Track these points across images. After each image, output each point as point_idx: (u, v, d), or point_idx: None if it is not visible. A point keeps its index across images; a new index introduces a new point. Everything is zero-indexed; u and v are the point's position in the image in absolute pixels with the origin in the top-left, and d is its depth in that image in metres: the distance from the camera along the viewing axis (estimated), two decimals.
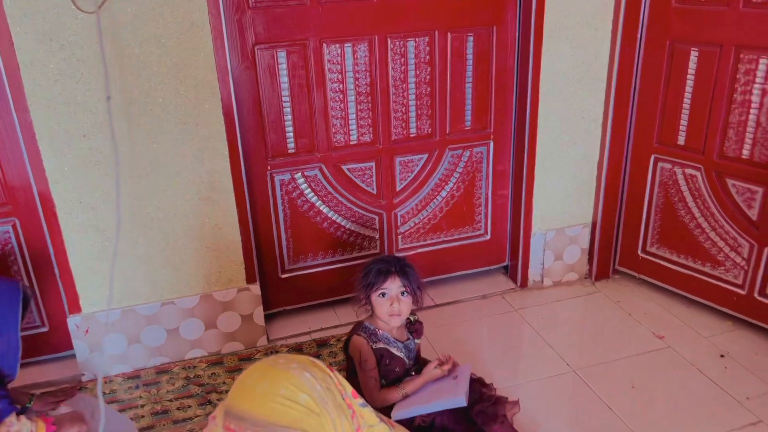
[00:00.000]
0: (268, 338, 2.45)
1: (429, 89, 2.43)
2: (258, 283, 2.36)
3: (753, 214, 2.31)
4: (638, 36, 2.42)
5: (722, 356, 2.31)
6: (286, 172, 2.38)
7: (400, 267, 1.84)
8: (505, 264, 2.87)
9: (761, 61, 2.15)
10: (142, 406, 2.12)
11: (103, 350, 2.24)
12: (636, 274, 2.78)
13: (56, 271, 2.15)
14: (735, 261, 2.41)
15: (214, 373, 2.27)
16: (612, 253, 2.80)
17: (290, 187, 2.40)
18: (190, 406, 2.11)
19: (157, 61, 1.96)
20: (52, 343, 2.27)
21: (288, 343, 2.45)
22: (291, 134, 2.32)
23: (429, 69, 2.41)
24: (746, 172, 2.28)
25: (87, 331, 2.18)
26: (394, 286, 1.82)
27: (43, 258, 2.15)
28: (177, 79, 2.00)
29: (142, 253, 2.17)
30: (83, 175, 2.01)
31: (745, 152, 2.27)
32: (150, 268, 2.20)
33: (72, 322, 2.18)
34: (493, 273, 2.88)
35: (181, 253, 2.21)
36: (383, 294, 1.82)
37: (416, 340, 1.96)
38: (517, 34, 2.45)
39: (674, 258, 2.61)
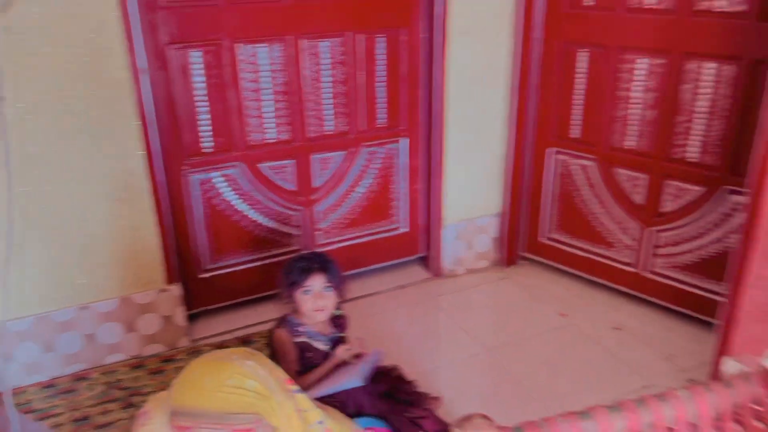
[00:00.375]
0: (190, 339, 2.44)
1: (344, 88, 2.52)
2: (178, 283, 2.36)
3: (639, 199, 2.56)
4: (535, 38, 2.62)
5: (618, 329, 2.54)
6: (203, 172, 2.39)
7: (321, 263, 1.91)
8: (421, 255, 3.00)
9: (640, 61, 2.39)
10: (61, 414, 2.07)
11: (14, 360, 2.16)
12: (541, 259, 2.99)
13: None
14: (625, 242, 2.65)
15: (137, 377, 2.25)
16: (518, 241, 3.00)
17: (207, 186, 2.41)
18: (112, 411, 2.08)
19: (67, 60, 1.93)
20: None
21: (211, 342, 2.45)
22: (208, 133, 2.34)
23: (343, 68, 2.49)
24: (632, 162, 2.53)
25: None
26: (316, 283, 1.88)
27: None
28: (89, 78, 1.97)
29: (54, 257, 2.12)
30: None
31: (630, 143, 2.52)
32: (64, 273, 2.15)
33: None
34: (410, 264, 3.01)
35: (97, 256, 2.18)
36: (307, 291, 1.88)
37: (340, 334, 2.03)
38: (424, 36, 2.58)
39: (574, 242, 2.84)
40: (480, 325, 2.60)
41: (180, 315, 2.38)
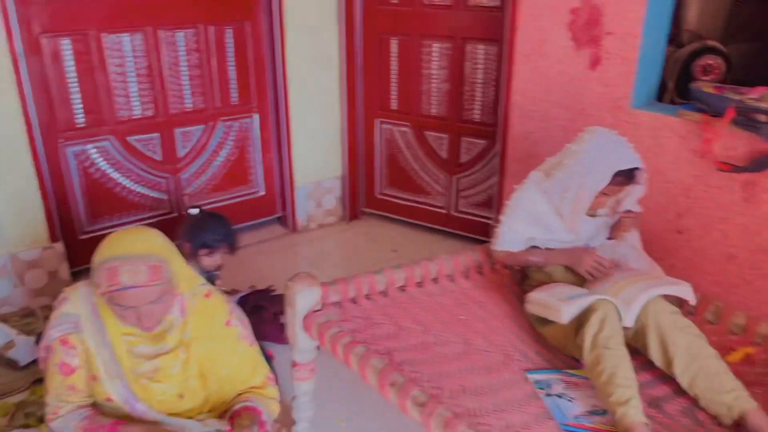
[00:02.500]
0: None
1: (199, 71, 3.00)
2: (61, 242, 2.71)
3: (444, 154, 3.28)
4: (356, 29, 3.26)
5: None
6: (78, 144, 2.76)
7: (226, 235, 2.36)
8: (278, 215, 3.54)
9: (434, 45, 3.11)
10: None
11: None
12: (378, 212, 3.64)
13: None
14: (438, 190, 3.37)
15: (29, 323, 2.57)
16: (359, 198, 3.63)
17: (82, 157, 2.79)
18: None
19: None
20: None
21: None
22: (80, 110, 2.72)
23: (198, 55, 2.97)
24: (436, 125, 3.25)
25: None
26: (221, 249, 2.34)
27: None
28: None
29: None
30: None
31: (434, 111, 3.23)
32: None
33: None
34: (270, 223, 3.54)
35: None
36: (210, 254, 2.33)
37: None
38: (266, 27, 3.13)
39: (401, 195, 3.52)
40: (329, 263, 3.19)
41: (64, 270, 2.73)
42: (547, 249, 1.89)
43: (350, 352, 1.64)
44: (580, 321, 1.60)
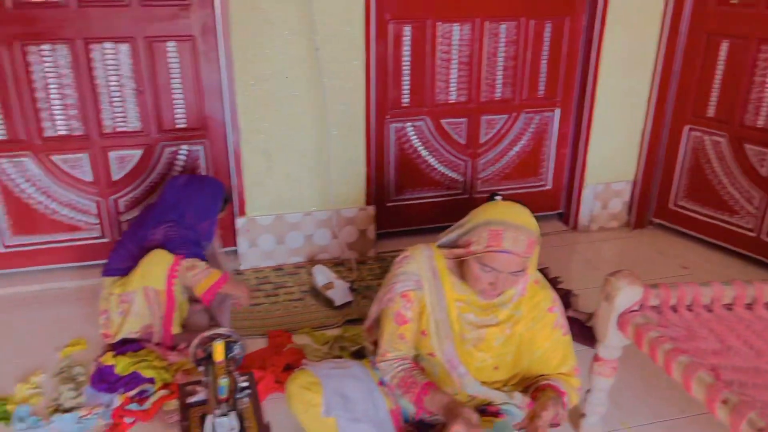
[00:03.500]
0: (376, 251, 3.14)
1: (513, 63, 3.12)
2: (373, 206, 3.06)
3: (764, 171, 2.95)
4: (681, 30, 3.07)
5: None
6: (399, 121, 3.07)
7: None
8: (560, 211, 3.53)
9: None
10: (291, 286, 2.84)
11: (257, 247, 2.96)
12: (668, 224, 3.42)
13: (234, 182, 2.86)
14: (748, 210, 3.05)
15: (339, 271, 2.97)
16: (648, 206, 3.45)
17: (401, 133, 3.10)
18: None
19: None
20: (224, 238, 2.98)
21: (391, 256, 3.13)
22: (407, 91, 3.02)
23: (515, 47, 3.09)
24: (761, 138, 2.93)
25: (248, 230, 2.91)
26: None
27: (224, 173, 2.87)
28: (339, 43, 2.71)
29: (295, 175, 2.88)
30: (262, 110, 2.73)
31: (761, 122, 2.92)
32: (299, 186, 2.91)
33: (239, 223, 2.90)
34: (550, 218, 3.55)
35: (323, 177, 2.92)
36: None
37: None
38: (585, 24, 3.12)
39: (699, 209, 3.26)
40: (610, 268, 3.04)
41: (371, 231, 3.09)
42: None
43: (673, 359, 1.59)
44: None
